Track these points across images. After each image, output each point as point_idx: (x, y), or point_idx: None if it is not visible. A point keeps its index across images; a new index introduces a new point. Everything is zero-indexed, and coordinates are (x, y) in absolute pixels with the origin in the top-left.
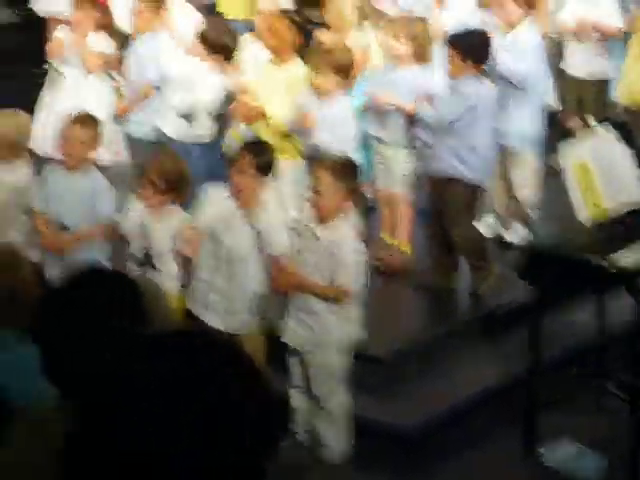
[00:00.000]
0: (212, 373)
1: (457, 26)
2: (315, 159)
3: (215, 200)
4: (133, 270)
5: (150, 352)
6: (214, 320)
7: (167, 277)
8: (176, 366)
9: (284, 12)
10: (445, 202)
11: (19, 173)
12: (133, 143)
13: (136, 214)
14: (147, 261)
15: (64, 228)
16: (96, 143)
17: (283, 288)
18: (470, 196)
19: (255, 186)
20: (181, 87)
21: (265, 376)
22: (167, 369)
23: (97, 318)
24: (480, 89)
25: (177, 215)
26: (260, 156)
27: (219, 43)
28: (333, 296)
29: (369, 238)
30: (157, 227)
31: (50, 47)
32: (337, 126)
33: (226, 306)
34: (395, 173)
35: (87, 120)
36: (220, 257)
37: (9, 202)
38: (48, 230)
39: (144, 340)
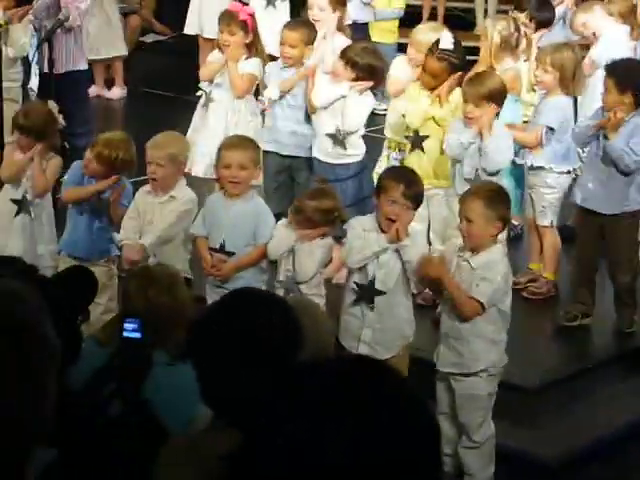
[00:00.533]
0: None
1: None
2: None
3: (361, 234)
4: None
5: (313, 379)
6: (364, 351)
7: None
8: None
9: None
10: (618, 238)
11: (184, 195)
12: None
13: (285, 239)
14: (292, 286)
15: (226, 253)
16: (256, 166)
17: (431, 274)
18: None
19: (406, 217)
20: (332, 110)
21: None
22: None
23: (252, 342)
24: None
25: (323, 242)
26: (412, 187)
27: (365, 65)
28: (467, 307)
29: (515, 267)
30: (303, 251)
31: (202, 71)
32: (494, 153)
33: (378, 338)
34: (541, 202)
35: (245, 143)
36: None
37: (175, 225)
38: (209, 255)
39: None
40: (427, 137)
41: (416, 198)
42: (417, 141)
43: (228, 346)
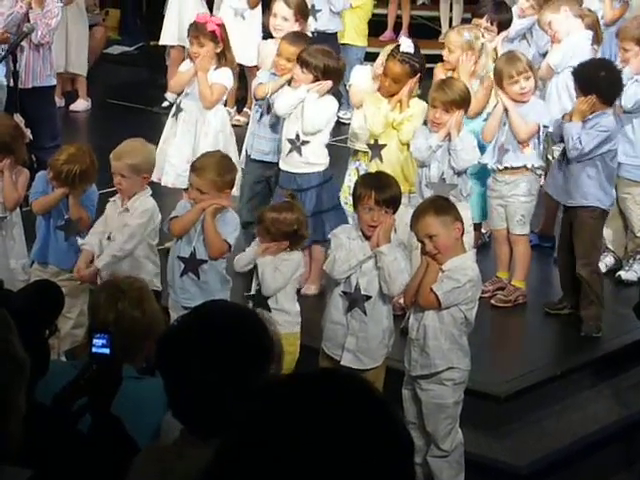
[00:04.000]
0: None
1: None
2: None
3: (345, 243)
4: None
5: (287, 395)
6: (348, 359)
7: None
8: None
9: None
10: (578, 233)
11: (137, 207)
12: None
13: (249, 252)
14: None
15: (198, 261)
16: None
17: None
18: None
19: (386, 222)
20: (293, 116)
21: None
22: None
23: (223, 355)
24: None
25: (289, 256)
26: (384, 191)
27: (321, 65)
28: (425, 297)
29: (483, 275)
30: (266, 265)
31: (172, 82)
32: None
33: (362, 346)
34: (519, 212)
35: (208, 165)
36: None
37: (129, 241)
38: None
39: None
40: (384, 146)
41: (391, 201)
42: (375, 150)
43: (198, 358)
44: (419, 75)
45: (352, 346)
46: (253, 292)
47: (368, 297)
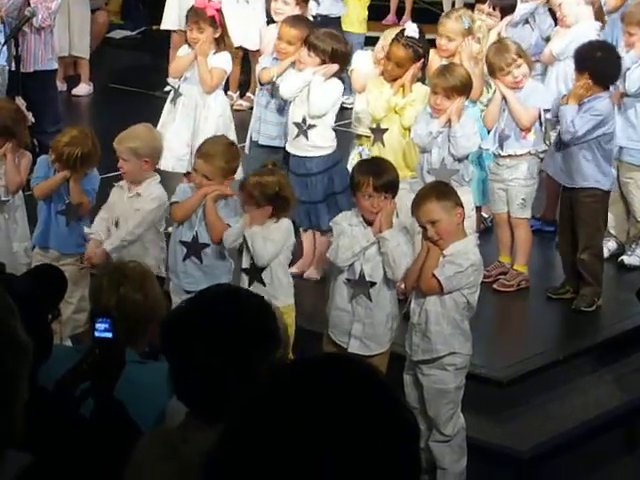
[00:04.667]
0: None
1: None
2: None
3: (347, 230)
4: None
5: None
6: (355, 346)
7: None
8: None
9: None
10: (579, 216)
11: (150, 193)
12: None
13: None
14: (254, 275)
15: (200, 245)
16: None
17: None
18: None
19: (387, 208)
20: (300, 99)
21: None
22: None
23: (229, 338)
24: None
25: (278, 225)
26: (381, 177)
27: (328, 49)
28: (427, 282)
29: (485, 260)
30: (256, 235)
31: (172, 67)
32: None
33: (368, 332)
34: (520, 195)
35: (214, 151)
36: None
37: (140, 226)
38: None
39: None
40: (386, 130)
41: (389, 186)
42: (378, 134)
43: (201, 342)
44: (422, 60)
45: (358, 332)
46: (246, 265)
47: (373, 283)
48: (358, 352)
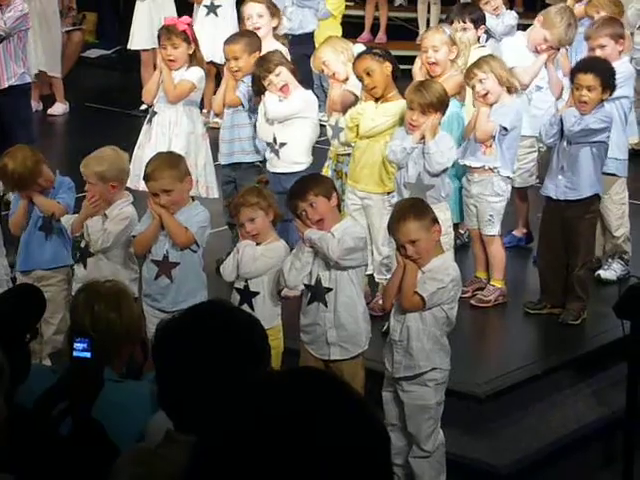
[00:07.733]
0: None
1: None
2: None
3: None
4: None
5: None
6: (336, 353)
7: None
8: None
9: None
10: (577, 230)
11: (117, 215)
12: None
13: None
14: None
15: (170, 264)
16: (182, 180)
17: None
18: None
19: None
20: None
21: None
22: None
23: (218, 357)
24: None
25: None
26: (319, 186)
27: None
28: (409, 300)
29: (462, 276)
30: (246, 254)
31: (144, 93)
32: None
33: (343, 336)
34: (487, 212)
35: (163, 166)
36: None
37: (123, 237)
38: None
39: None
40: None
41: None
42: (335, 130)
43: (190, 358)
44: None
45: (334, 338)
46: (240, 287)
47: (329, 289)
48: (340, 357)
